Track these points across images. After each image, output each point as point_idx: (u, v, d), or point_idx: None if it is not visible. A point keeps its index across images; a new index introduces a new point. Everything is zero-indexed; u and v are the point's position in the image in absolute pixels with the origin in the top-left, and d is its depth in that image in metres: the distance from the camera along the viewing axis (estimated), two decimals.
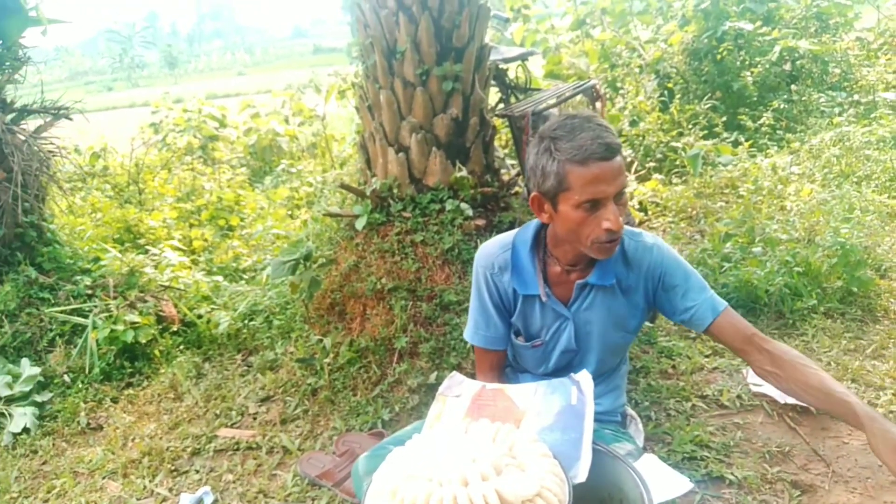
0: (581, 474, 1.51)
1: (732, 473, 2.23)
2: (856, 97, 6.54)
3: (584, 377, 1.72)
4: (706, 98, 6.40)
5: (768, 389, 2.62)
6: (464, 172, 3.18)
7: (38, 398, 3.25)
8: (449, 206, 3.13)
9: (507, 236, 1.89)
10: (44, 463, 2.88)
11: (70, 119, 4.16)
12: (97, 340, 3.40)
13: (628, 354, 2.12)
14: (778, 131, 6.08)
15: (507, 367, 2.09)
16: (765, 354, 1.68)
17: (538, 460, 1.44)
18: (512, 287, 1.85)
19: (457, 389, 1.83)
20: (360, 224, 3.18)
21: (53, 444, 2.99)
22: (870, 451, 2.25)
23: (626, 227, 1.76)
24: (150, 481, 2.62)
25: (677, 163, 5.61)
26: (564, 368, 1.93)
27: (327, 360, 3.02)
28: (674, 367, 2.95)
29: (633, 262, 1.79)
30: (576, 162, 1.54)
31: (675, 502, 2.13)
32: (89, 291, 3.74)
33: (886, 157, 4.90)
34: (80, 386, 3.33)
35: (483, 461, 1.37)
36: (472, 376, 1.90)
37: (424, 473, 1.36)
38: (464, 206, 3.14)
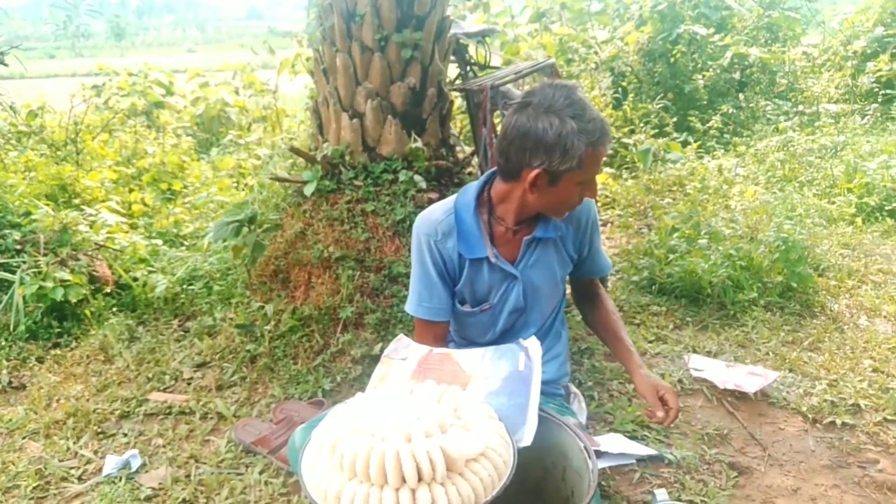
0: (526, 438, 1.49)
1: (672, 454, 2.25)
2: (800, 107, 6.75)
3: (533, 343, 1.70)
4: (658, 98, 6.51)
5: (709, 374, 2.65)
6: (419, 144, 3.12)
7: None
8: (402, 176, 3.08)
9: (447, 202, 1.87)
10: None
11: (5, 65, 3.95)
12: (24, 297, 3.23)
13: (568, 330, 2.13)
14: (725, 135, 6.23)
15: (450, 341, 2.05)
16: (598, 299, 2.02)
17: (484, 421, 1.41)
18: (457, 252, 1.82)
19: (403, 352, 1.79)
20: (308, 190, 3.09)
21: None
22: (804, 437, 2.33)
23: None
24: (73, 443, 2.49)
25: (628, 159, 5.69)
26: (510, 331, 1.91)
27: (268, 328, 2.94)
28: None
29: (571, 217, 1.83)
30: (594, 144, 1.58)
31: (615, 479, 2.15)
32: (18, 247, 3.55)
33: (827, 165, 5.06)
34: (4, 343, 3.17)
35: (428, 419, 1.33)
36: None
37: (366, 429, 1.31)
38: (417, 177, 3.09)
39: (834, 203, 4.52)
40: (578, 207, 1.79)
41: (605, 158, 1.71)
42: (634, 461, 2.20)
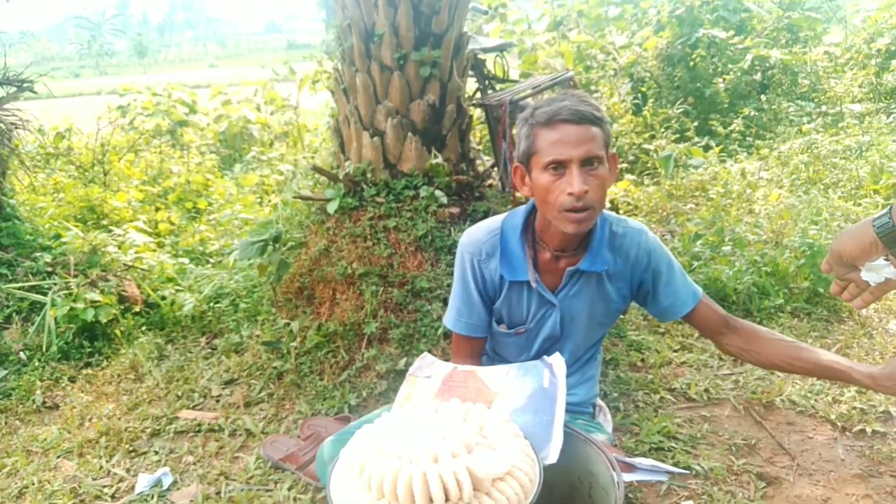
0: (552, 455, 1.49)
1: (699, 464, 2.24)
2: (824, 108, 6.67)
3: (557, 360, 1.70)
4: (678, 103, 6.47)
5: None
6: (439, 159, 3.15)
7: None
8: (423, 192, 3.10)
9: (494, 221, 1.86)
10: None
11: (34, 93, 4.05)
12: (56, 318, 3.31)
13: (602, 352, 2.11)
14: (748, 138, 6.17)
15: (483, 355, 2.06)
16: (738, 335, 1.75)
17: (509, 440, 1.42)
18: (499, 273, 1.81)
19: (427, 370, 1.80)
20: (331, 208, 3.13)
21: (6, 423, 2.90)
22: (833, 446, 2.30)
23: (612, 213, 1.79)
24: (106, 461, 2.54)
25: (649, 165, 5.66)
26: (545, 355, 1.91)
27: (294, 344, 2.97)
28: (643, 360, 2.95)
29: (619, 249, 1.77)
30: (543, 124, 1.57)
31: (642, 491, 2.14)
32: (49, 269, 3.64)
33: (853, 166, 4.99)
34: (37, 364, 3.23)
35: (453, 439, 1.34)
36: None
37: (393, 450, 1.33)
38: (438, 193, 3.11)
39: (860, 205, 4.46)
40: (626, 238, 1.76)
41: (573, 144, 1.54)
42: (666, 477, 2.19)
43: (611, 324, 1.94)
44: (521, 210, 1.82)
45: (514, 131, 1.70)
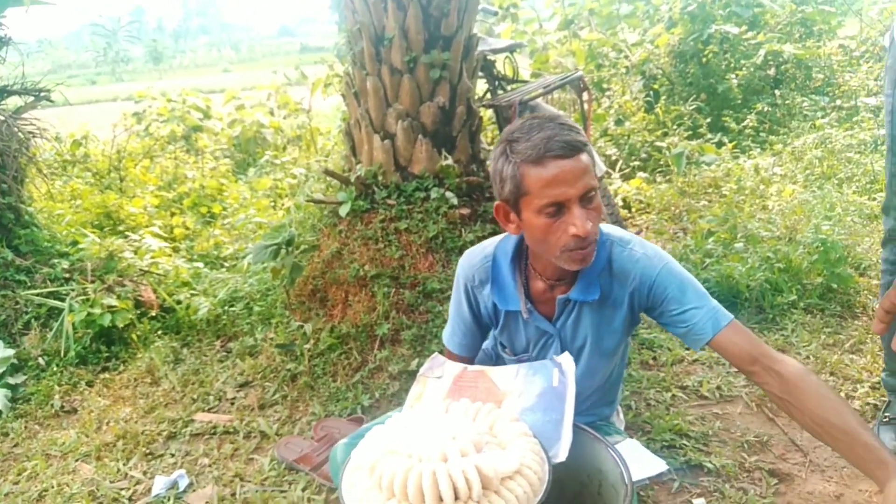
0: (561, 454, 1.50)
1: (711, 462, 2.24)
2: (838, 102, 6.61)
3: (566, 359, 1.70)
4: (691, 99, 6.44)
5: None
6: (450, 161, 3.17)
7: (12, 381, 3.19)
8: (434, 194, 3.12)
9: (489, 245, 1.78)
10: (15, 445, 2.83)
11: (51, 101, 4.11)
12: (73, 324, 3.35)
13: (626, 359, 2.00)
14: (761, 133, 6.13)
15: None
16: (774, 377, 1.46)
17: (518, 439, 1.43)
18: (492, 301, 1.76)
19: (438, 371, 1.82)
20: (343, 211, 3.16)
21: (26, 427, 2.94)
22: None
23: (616, 234, 1.66)
24: (124, 464, 2.58)
25: (661, 162, 5.65)
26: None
27: (307, 346, 3.00)
28: (654, 358, 2.95)
29: (619, 274, 1.64)
30: (531, 162, 1.41)
31: (654, 489, 2.14)
32: (66, 275, 3.69)
33: (867, 161, 4.95)
34: (55, 369, 3.28)
35: (463, 438, 1.36)
36: None
37: (404, 450, 1.34)
38: (449, 194, 3.13)
39: (874, 199, 4.43)
40: (627, 265, 1.62)
41: (570, 182, 1.39)
42: (666, 467, 2.16)
43: (619, 349, 1.80)
44: (515, 237, 1.70)
45: (491, 165, 1.53)
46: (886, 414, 2.31)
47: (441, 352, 2.81)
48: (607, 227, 1.68)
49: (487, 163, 3.67)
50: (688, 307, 1.58)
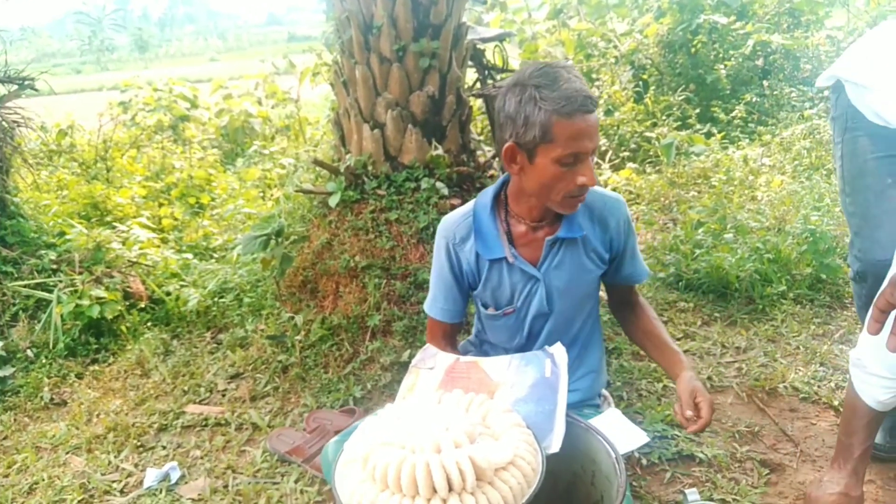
0: (554, 445, 1.51)
1: (702, 452, 2.25)
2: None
3: (558, 349, 1.71)
4: (680, 90, 6.45)
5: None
6: (440, 151, 3.16)
7: (0, 373, 3.16)
8: (424, 184, 3.11)
9: (468, 205, 1.87)
10: (4, 438, 2.81)
11: (36, 90, 4.06)
12: (62, 315, 3.33)
13: (602, 334, 2.09)
14: (750, 124, 6.15)
15: (481, 343, 2.06)
16: (638, 307, 1.96)
17: (511, 430, 1.43)
18: (475, 253, 1.82)
19: (430, 362, 1.82)
20: (333, 201, 3.14)
21: (15, 420, 2.92)
22: (836, 432, 2.30)
23: None
24: (115, 457, 2.57)
25: (651, 153, 5.66)
26: (538, 336, 1.91)
27: (299, 338, 2.99)
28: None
29: (599, 216, 1.80)
30: (563, 114, 1.50)
31: (646, 479, 2.15)
32: (54, 266, 3.65)
33: None
34: (44, 361, 3.25)
35: (456, 429, 1.35)
36: None
37: (397, 441, 1.34)
38: (439, 185, 3.12)
39: None
40: (606, 207, 1.79)
41: (591, 136, 1.54)
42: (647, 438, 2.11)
43: (593, 294, 1.94)
44: (491, 188, 1.83)
45: (508, 106, 1.60)
46: None
47: None
48: None
49: (478, 153, 3.66)
50: (636, 252, 1.90)
